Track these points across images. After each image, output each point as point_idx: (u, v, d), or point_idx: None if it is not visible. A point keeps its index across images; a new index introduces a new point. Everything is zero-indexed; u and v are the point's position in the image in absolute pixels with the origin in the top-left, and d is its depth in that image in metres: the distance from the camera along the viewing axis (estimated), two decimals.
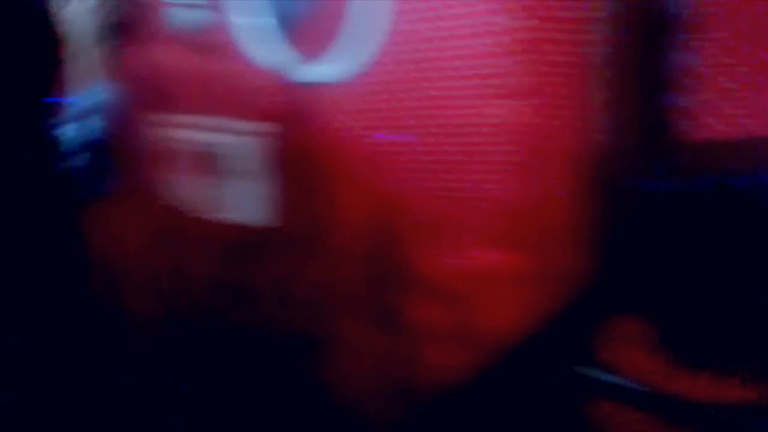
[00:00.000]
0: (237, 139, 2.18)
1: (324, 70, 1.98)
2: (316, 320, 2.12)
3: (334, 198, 2.06)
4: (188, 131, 2.40)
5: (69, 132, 1.14)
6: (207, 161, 2.33)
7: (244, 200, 2.23)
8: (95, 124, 1.19)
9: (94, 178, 1.14)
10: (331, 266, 2.09)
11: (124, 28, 1.68)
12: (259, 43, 2.11)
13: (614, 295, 1.59)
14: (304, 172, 2.11)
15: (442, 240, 1.83)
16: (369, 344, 1.97)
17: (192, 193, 2.42)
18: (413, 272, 1.91)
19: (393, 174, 1.89)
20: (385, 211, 1.94)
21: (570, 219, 1.67)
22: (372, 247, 2.00)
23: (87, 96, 1.23)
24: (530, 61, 1.61)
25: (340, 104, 1.97)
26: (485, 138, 1.72)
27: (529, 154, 1.66)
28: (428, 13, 1.78)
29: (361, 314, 2.04)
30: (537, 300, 1.71)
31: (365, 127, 1.95)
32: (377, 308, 2.00)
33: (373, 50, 1.89)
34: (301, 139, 2.10)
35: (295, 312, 2.18)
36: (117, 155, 1.24)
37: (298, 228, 2.13)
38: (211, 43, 2.03)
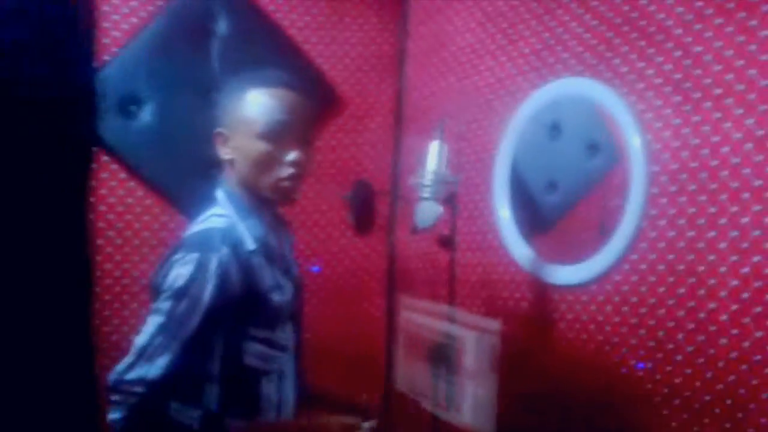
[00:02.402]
0: (470, 334, 2.06)
1: (573, 273, 1.82)
2: None
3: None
4: (427, 318, 2.34)
5: None
6: (441, 352, 2.22)
7: (469, 400, 2.06)
8: None
9: None
10: None
11: (364, 216, 1.71)
12: (510, 239, 2.04)
13: None
14: (536, 379, 1.91)
15: None
16: None
17: (425, 382, 2.31)
18: None
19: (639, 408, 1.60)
20: None
21: None
22: None
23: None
24: None
25: (586, 311, 1.78)
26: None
27: None
28: (696, 218, 1.54)
29: None
30: None
31: (610, 340, 1.71)
32: None
33: (625, 256, 1.69)
34: (538, 343, 1.92)
35: None
36: None
37: None
38: (455, 236, 1.99)
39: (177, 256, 1.30)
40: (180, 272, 1.27)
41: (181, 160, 2.19)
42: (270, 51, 2.38)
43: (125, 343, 2.17)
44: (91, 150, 0.73)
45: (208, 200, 1.45)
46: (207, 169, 2.19)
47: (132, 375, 1.23)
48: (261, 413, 1.38)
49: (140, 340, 1.26)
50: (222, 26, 2.33)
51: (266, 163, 1.37)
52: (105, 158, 2.15)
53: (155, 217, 2.22)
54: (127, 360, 1.24)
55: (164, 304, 1.27)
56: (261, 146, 1.36)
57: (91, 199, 2.12)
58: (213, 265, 1.28)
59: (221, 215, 1.39)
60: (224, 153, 1.42)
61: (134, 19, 2.21)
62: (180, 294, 1.26)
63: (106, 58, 2.14)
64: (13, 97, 0.60)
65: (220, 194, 1.43)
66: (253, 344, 1.35)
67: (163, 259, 1.35)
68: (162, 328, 1.25)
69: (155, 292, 1.32)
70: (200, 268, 1.28)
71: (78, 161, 0.68)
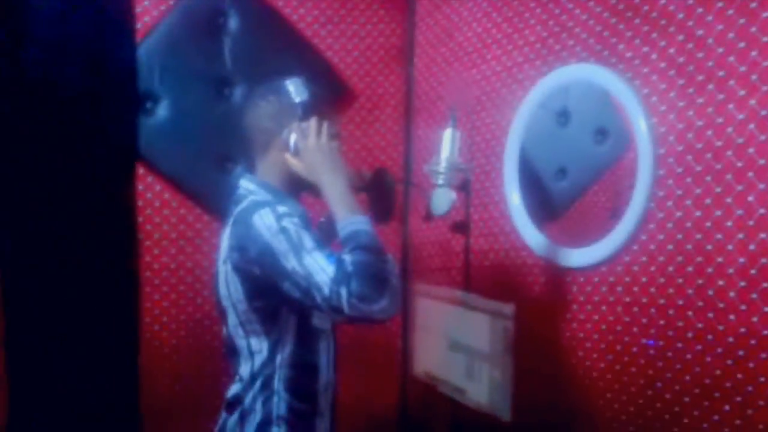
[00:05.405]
0: (485, 318, 2.10)
1: (584, 255, 1.85)
2: None
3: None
4: (442, 304, 2.38)
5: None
6: (456, 336, 2.27)
7: (485, 383, 2.10)
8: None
9: None
10: None
11: (385, 204, 1.74)
12: (521, 225, 2.08)
13: None
14: (549, 361, 1.95)
15: None
16: None
17: (442, 367, 2.36)
18: None
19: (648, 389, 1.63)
20: None
21: None
22: None
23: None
24: None
25: (597, 292, 1.81)
26: None
27: None
28: (703, 198, 1.56)
29: None
30: None
31: (622, 320, 1.75)
32: None
33: (634, 237, 1.72)
34: (552, 324, 1.96)
35: None
36: None
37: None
38: (469, 221, 2.03)
39: (254, 217, 1.40)
40: (264, 222, 1.38)
41: (197, 154, 2.24)
42: (280, 46, 2.42)
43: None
44: (132, 149, 0.76)
45: (229, 195, 1.54)
46: (221, 162, 2.26)
47: (338, 276, 1.30)
48: (320, 371, 1.51)
49: (311, 268, 1.32)
50: (232, 22, 2.37)
51: None
52: None
53: (173, 211, 2.28)
54: (324, 289, 1.30)
55: (285, 243, 1.35)
56: None
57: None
58: (282, 209, 1.42)
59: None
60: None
61: (147, 18, 2.26)
62: (282, 228, 1.37)
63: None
64: (57, 97, 0.63)
65: (250, 186, 1.53)
66: None
67: (226, 235, 1.47)
68: (311, 249, 1.34)
69: (251, 254, 1.41)
70: (275, 210, 1.41)
71: (120, 162, 0.72)
